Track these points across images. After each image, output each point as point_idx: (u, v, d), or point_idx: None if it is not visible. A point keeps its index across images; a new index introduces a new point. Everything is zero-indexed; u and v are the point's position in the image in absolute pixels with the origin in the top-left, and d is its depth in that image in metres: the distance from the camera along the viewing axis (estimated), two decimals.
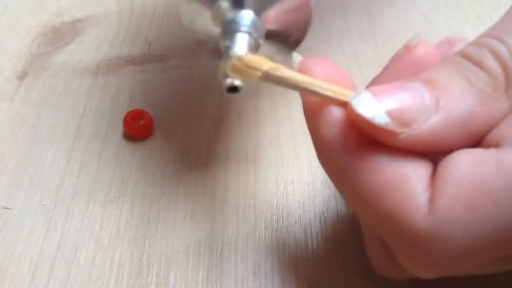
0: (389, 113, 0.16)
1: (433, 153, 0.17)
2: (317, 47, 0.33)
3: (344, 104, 0.17)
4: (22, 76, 0.32)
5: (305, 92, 0.17)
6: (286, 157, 0.27)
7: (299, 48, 0.22)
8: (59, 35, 0.35)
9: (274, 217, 0.24)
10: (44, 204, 0.25)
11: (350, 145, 0.17)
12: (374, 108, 0.16)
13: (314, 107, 0.18)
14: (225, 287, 0.22)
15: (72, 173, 0.27)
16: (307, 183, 0.25)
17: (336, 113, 0.17)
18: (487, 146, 0.16)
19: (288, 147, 0.27)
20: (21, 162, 0.27)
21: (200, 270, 0.23)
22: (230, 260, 0.23)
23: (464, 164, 0.16)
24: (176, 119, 0.29)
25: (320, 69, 0.18)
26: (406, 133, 0.16)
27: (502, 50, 0.17)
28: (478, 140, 0.17)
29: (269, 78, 0.17)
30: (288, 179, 0.26)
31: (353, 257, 0.22)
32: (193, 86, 0.31)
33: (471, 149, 0.16)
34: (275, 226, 0.24)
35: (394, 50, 0.23)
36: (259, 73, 0.17)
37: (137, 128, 0.28)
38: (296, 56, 0.19)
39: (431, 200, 0.16)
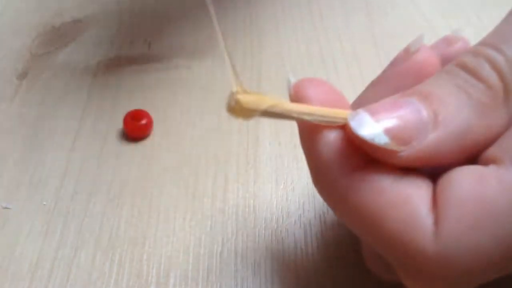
0: (388, 132, 0.16)
1: (431, 167, 0.17)
2: (317, 47, 0.33)
3: (341, 126, 0.17)
4: (22, 76, 0.32)
5: (304, 121, 0.17)
6: (286, 157, 0.27)
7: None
8: (59, 35, 0.35)
9: (274, 217, 0.24)
10: (44, 204, 0.25)
11: (349, 166, 0.16)
12: (373, 128, 0.16)
13: (310, 129, 0.17)
14: (225, 287, 0.22)
15: (72, 173, 0.27)
16: (307, 183, 0.25)
17: (333, 134, 0.17)
18: (486, 162, 0.16)
19: (288, 147, 0.27)
20: (21, 162, 0.27)
21: (200, 270, 0.23)
22: (230, 260, 0.23)
23: (466, 183, 0.15)
24: (176, 119, 0.29)
25: (314, 92, 0.17)
26: (406, 151, 0.16)
27: (499, 59, 0.16)
28: (476, 151, 0.17)
29: (268, 115, 0.16)
30: (288, 179, 0.26)
31: (353, 257, 0.22)
32: (193, 86, 0.31)
33: (471, 166, 0.16)
34: (275, 226, 0.24)
35: (394, 50, 0.23)
36: (257, 113, 0.16)
37: (137, 128, 0.28)
38: (290, 80, 0.18)
39: (436, 222, 0.15)
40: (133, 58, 0.33)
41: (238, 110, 0.16)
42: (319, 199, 0.25)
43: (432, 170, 0.17)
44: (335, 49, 0.32)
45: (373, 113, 0.16)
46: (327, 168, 0.17)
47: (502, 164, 0.16)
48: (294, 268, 0.22)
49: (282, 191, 0.25)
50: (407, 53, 0.19)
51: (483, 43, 0.17)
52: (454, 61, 0.17)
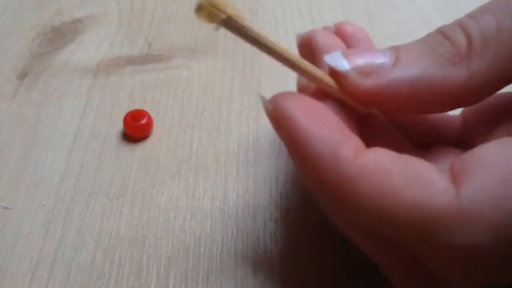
0: (351, 63, 0.18)
1: (393, 111, 0.19)
2: None
3: (316, 79, 0.18)
4: (22, 76, 0.32)
5: (267, 51, 0.18)
6: (286, 157, 0.27)
7: None
8: (59, 35, 0.35)
9: (274, 217, 0.24)
10: (44, 204, 0.25)
11: (350, 156, 0.16)
12: (340, 61, 0.18)
13: (300, 127, 0.17)
14: (225, 287, 0.22)
15: (72, 173, 0.27)
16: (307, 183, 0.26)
17: (325, 129, 0.17)
18: None
19: None
20: (21, 162, 0.27)
21: (200, 270, 0.23)
22: (230, 260, 0.23)
23: (494, 148, 0.16)
24: (176, 119, 0.29)
25: (293, 103, 0.18)
26: (365, 83, 0.18)
27: (471, 24, 0.18)
28: (432, 102, 0.18)
29: (232, 25, 0.17)
30: (288, 179, 0.26)
31: (354, 256, 0.22)
32: (193, 86, 0.31)
33: (494, 140, 0.17)
34: (275, 226, 0.24)
35: None
36: (223, 16, 0.17)
37: (137, 128, 0.28)
38: (262, 97, 0.19)
39: (457, 187, 0.15)
40: (133, 58, 0.33)
41: (206, 9, 0.17)
42: None
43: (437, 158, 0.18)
44: None
45: (346, 53, 0.19)
46: (329, 163, 0.16)
47: None
48: (294, 268, 0.22)
49: (281, 191, 0.25)
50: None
51: (466, 14, 0.19)
52: (437, 27, 0.19)
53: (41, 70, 0.32)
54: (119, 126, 0.28)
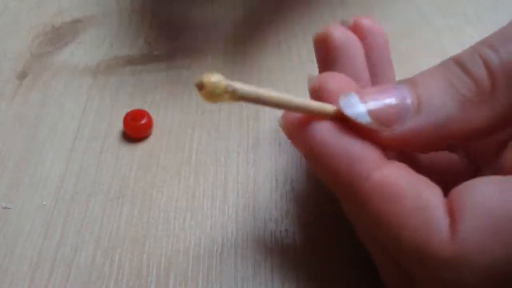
0: (371, 113, 0.17)
1: (413, 152, 0.18)
2: None
3: (326, 117, 0.18)
4: (22, 76, 0.32)
5: (282, 107, 0.17)
6: (286, 157, 0.27)
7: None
8: (59, 35, 0.35)
9: (274, 217, 0.24)
10: (44, 204, 0.25)
11: (368, 169, 0.17)
12: (358, 108, 0.17)
13: (318, 136, 0.18)
14: (225, 287, 0.22)
15: (72, 173, 0.27)
16: (306, 183, 0.25)
17: (345, 139, 0.17)
18: (506, 173, 0.17)
19: (288, 147, 0.27)
20: (21, 162, 0.27)
21: (200, 270, 0.23)
22: (230, 260, 0.23)
23: (487, 189, 0.16)
24: (176, 119, 0.29)
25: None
26: (387, 132, 0.17)
27: (493, 58, 0.17)
28: (451, 141, 0.17)
29: (240, 97, 0.16)
30: (287, 179, 0.26)
31: (353, 256, 0.22)
32: (193, 86, 0.31)
33: (490, 176, 0.16)
34: (275, 226, 0.24)
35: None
36: (226, 96, 0.16)
37: (137, 128, 0.28)
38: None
39: (452, 225, 0.16)
40: (133, 58, 0.33)
41: (207, 94, 0.16)
42: (318, 198, 0.25)
43: (443, 182, 0.17)
44: None
45: (361, 96, 0.18)
46: (345, 172, 0.17)
47: None
48: (294, 268, 0.22)
49: (281, 191, 0.25)
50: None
51: (483, 42, 0.18)
52: (452, 56, 0.18)
53: (41, 70, 0.32)
54: (119, 126, 0.28)
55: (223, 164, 0.27)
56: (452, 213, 0.16)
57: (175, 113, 0.29)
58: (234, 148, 0.27)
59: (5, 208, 0.25)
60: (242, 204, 0.25)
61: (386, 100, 0.17)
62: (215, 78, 0.16)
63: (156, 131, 0.28)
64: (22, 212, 0.25)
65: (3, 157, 0.27)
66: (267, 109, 0.29)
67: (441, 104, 0.17)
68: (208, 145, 0.28)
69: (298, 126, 0.18)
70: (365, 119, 0.17)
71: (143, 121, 0.28)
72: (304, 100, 0.18)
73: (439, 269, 0.16)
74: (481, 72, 0.17)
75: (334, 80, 0.19)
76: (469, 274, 0.15)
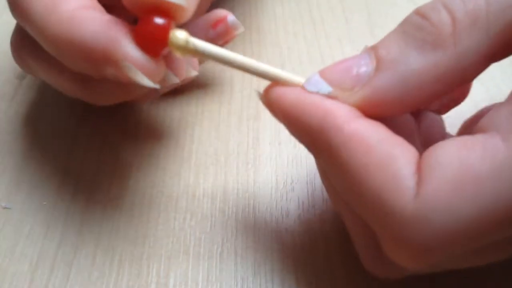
0: (331, 82, 0.18)
1: (389, 115, 0.17)
2: (317, 47, 0.33)
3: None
4: (22, 76, 0.32)
5: (248, 70, 0.19)
6: (286, 157, 0.27)
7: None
8: None
9: (274, 217, 0.24)
10: (44, 204, 0.25)
11: (338, 123, 0.17)
12: (319, 83, 0.18)
13: (288, 99, 0.18)
14: (225, 287, 0.22)
15: (72, 173, 0.27)
16: (307, 183, 0.26)
17: (316, 98, 0.18)
18: (475, 133, 0.16)
19: (288, 147, 0.27)
20: (21, 162, 0.27)
21: (200, 270, 0.23)
22: (230, 260, 0.23)
23: (450, 148, 0.16)
24: (176, 119, 0.29)
25: (283, 90, 0.19)
26: (352, 96, 0.17)
27: (455, 1, 0.17)
28: (426, 94, 0.17)
29: (193, 51, 0.19)
30: (288, 179, 0.26)
31: (353, 256, 0.22)
32: (193, 86, 0.31)
33: (458, 137, 0.16)
34: (275, 226, 0.24)
35: None
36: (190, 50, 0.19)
37: (152, 29, 0.19)
38: (259, 92, 0.20)
39: (418, 184, 0.15)
40: None
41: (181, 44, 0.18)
42: (318, 198, 0.25)
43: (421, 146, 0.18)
44: (335, 49, 0.32)
45: (322, 72, 0.18)
46: (317, 126, 0.17)
47: (488, 133, 0.16)
48: (294, 267, 0.22)
49: (282, 191, 0.25)
50: None
51: None
52: (415, 8, 0.18)
53: None
54: (119, 126, 0.28)
55: (223, 164, 0.27)
56: (420, 172, 0.16)
57: (176, 113, 0.29)
58: (234, 148, 0.27)
59: (5, 208, 0.25)
60: (242, 204, 0.25)
61: (343, 68, 0.18)
62: (181, 34, 0.18)
63: (156, 131, 0.28)
64: (22, 212, 0.25)
65: (3, 157, 0.27)
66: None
67: (399, 55, 0.17)
68: (208, 145, 0.28)
69: (272, 90, 0.19)
70: (327, 89, 0.18)
71: (162, 23, 0.19)
72: (273, 68, 0.19)
73: (401, 228, 0.15)
74: (441, 15, 0.17)
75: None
76: (429, 234, 0.15)
